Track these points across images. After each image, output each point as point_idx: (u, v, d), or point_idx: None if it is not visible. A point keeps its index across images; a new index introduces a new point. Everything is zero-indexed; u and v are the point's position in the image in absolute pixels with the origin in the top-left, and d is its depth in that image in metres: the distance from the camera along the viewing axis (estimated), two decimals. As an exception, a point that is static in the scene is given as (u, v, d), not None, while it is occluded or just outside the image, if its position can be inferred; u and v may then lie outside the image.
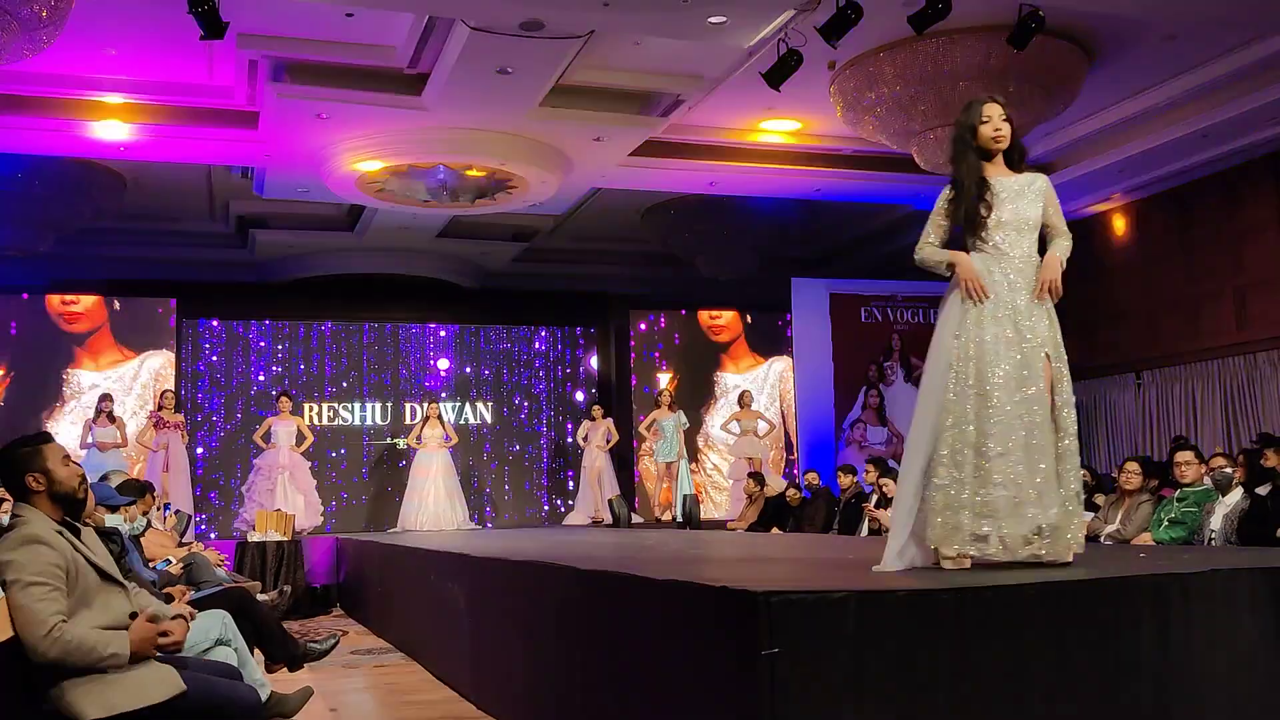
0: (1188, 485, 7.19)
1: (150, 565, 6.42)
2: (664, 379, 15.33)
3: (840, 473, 11.12)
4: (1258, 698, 3.33)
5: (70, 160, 11.12)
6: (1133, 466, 7.91)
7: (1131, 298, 13.30)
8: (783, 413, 15.50)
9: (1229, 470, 7.08)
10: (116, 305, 13.76)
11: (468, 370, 15.72)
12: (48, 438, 3.60)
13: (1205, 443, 11.44)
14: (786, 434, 15.30)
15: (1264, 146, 11.15)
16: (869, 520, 9.81)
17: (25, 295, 13.47)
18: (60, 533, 3.38)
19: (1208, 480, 7.19)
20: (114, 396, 12.63)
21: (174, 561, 6.87)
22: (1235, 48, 9.49)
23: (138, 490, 6.93)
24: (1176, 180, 12.22)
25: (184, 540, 9.19)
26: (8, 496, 4.26)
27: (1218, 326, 12.20)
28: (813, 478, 11.74)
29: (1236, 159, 11.50)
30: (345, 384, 15.18)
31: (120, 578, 3.58)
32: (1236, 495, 6.86)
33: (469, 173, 11.14)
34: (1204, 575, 3.38)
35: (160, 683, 3.34)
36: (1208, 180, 12.08)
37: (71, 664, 3.22)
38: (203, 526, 13.82)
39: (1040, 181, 4.26)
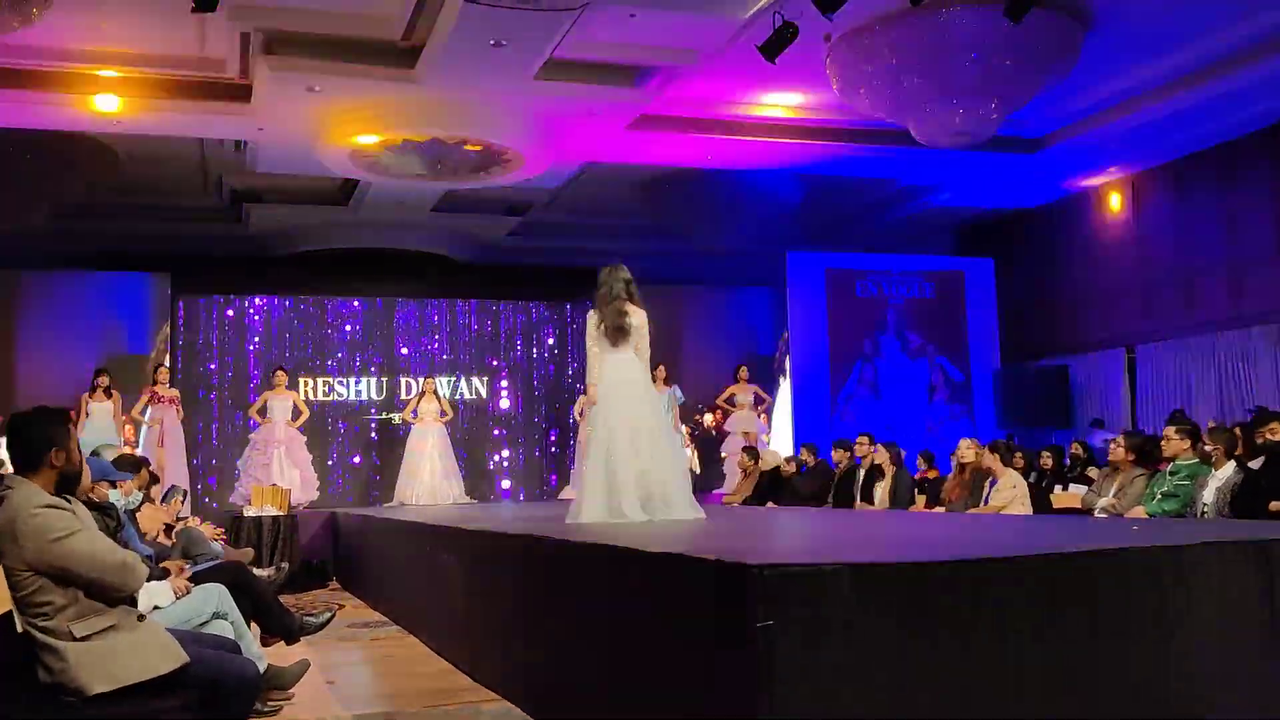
0: (1178, 460, 7.23)
1: (145, 539, 6.43)
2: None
3: (835, 447, 11.15)
4: (1251, 669, 3.35)
5: (62, 134, 11.05)
6: (1119, 440, 8.01)
7: (1127, 272, 13.31)
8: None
9: (1208, 448, 7.12)
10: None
11: (463, 344, 15.70)
12: (67, 414, 3.60)
13: (1200, 417, 11.47)
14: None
15: (1260, 120, 11.14)
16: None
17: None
18: (61, 504, 3.40)
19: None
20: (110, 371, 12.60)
21: (159, 533, 6.89)
22: (1232, 21, 9.45)
23: (133, 465, 6.93)
24: (1172, 154, 12.21)
25: (180, 515, 9.20)
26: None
27: (1213, 301, 12.21)
28: (806, 454, 11.75)
29: (1233, 133, 11.49)
30: (341, 358, 15.17)
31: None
32: (1229, 469, 6.88)
33: (465, 146, 11.08)
34: (1196, 548, 3.40)
35: (163, 655, 3.36)
36: (1204, 155, 12.07)
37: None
38: (206, 498, 13.85)
39: None
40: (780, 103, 11.24)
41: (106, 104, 9.99)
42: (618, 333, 6.23)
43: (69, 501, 3.43)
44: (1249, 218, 11.83)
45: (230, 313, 14.86)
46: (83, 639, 3.27)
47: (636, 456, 5.94)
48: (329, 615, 5.82)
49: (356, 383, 15.25)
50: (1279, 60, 9.72)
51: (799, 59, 9.09)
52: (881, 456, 10.09)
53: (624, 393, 6.14)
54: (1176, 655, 3.20)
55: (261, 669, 4.25)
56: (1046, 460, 10.31)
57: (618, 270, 6.40)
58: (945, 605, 2.89)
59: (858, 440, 10.73)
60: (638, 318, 6.30)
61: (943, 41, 9.00)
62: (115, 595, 3.36)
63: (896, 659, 2.80)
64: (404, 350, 15.45)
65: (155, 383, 12.51)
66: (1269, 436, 7.29)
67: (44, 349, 13.37)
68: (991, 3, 8.58)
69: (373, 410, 15.24)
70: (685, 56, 9.77)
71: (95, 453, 7.34)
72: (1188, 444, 7.23)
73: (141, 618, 3.48)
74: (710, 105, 11.14)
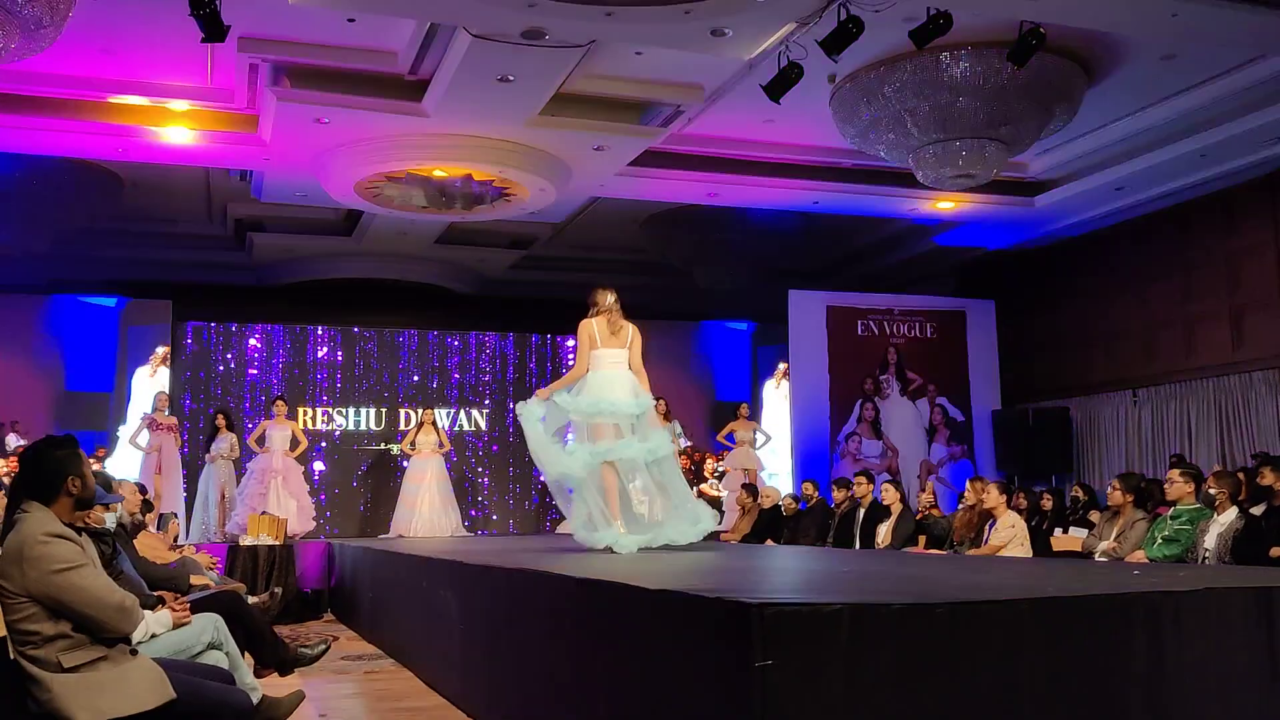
0: (1180, 504, 7.20)
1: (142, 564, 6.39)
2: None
3: (835, 486, 11.11)
4: (1250, 717, 3.32)
5: (68, 161, 11.11)
6: (1116, 483, 7.99)
7: (1128, 316, 13.33)
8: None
9: (1212, 491, 7.09)
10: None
11: (463, 376, 15.70)
12: (77, 441, 3.59)
13: (1201, 461, 11.46)
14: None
15: (1262, 167, 11.19)
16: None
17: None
18: (72, 536, 3.39)
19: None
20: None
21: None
22: (1234, 68, 9.52)
23: (105, 482, 6.89)
24: (1174, 199, 12.25)
25: (176, 543, 9.17)
26: None
27: (1214, 346, 12.22)
28: (809, 489, 11.70)
29: (1234, 179, 11.54)
30: (340, 389, 15.16)
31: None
32: (1231, 514, 6.86)
33: (470, 180, 11.13)
34: (1197, 594, 3.38)
35: (151, 689, 3.33)
36: (1205, 200, 12.11)
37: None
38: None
39: None
40: (784, 142, 11.30)
41: (112, 132, 10.04)
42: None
43: (79, 534, 3.43)
44: (1250, 262, 11.85)
45: (231, 341, 14.86)
46: (70, 670, 3.25)
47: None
48: (324, 647, 5.78)
49: (356, 413, 15.23)
50: (1279, 108, 9.79)
51: (804, 99, 9.14)
52: (888, 496, 10.06)
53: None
54: (1176, 702, 3.17)
55: (255, 700, 4.21)
56: (1046, 502, 10.28)
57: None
58: (945, 647, 2.87)
59: (856, 480, 10.69)
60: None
61: (947, 84, 9.06)
62: (107, 634, 3.34)
63: (896, 700, 2.78)
64: (403, 381, 15.45)
65: (154, 410, 12.51)
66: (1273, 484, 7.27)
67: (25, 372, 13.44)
68: (996, 46, 8.65)
69: (374, 440, 15.21)
70: (691, 94, 9.83)
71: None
72: (1191, 487, 7.21)
73: (134, 651, 3.45)
74: (715, 143, 11.20)
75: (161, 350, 13.78)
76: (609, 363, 6.83)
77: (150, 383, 13.56)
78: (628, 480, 6.76)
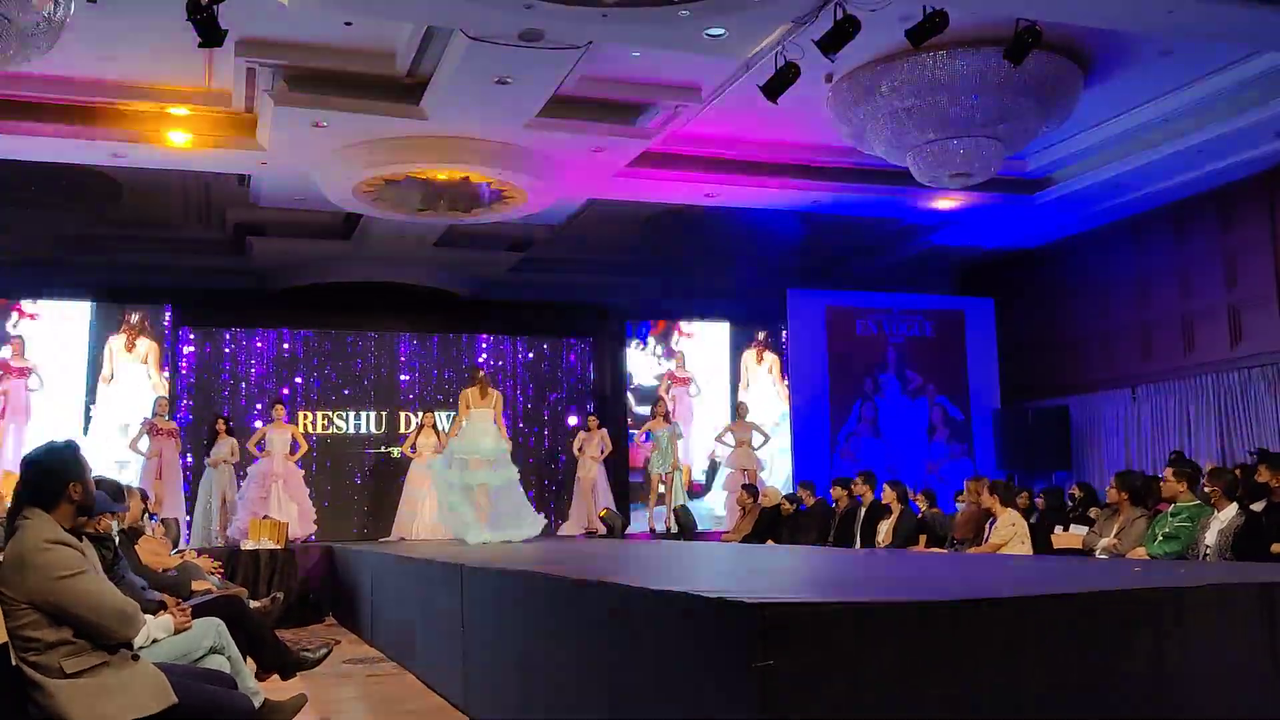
0: (1179, 501, 7.20)
1: (146, 569, 6.39)
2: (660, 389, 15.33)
3: (835, 485, 11.11)
4: (1252, 714, 3.32)
5: (66, 166, 11.10)
6: (1114, 482, 8.00)
7: (1127, 313, 13.34)
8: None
9: (1207, 490, 7.09)
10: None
11: (463, 378, 15.68)
12: (77, 447, 3.58)
13: (1200, 458, 11.46)
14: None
15: (1258, 163, 11.20)
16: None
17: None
18: (72, 542, 3.38)
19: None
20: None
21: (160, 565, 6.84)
22: (1229, 64, 9.54)
23: (113, 489, 6.89)
24: (1171, 196, 12.26)
25: (177, 548, 9.17)
26: None
27: (1212, 343, 12.23)
28: (803, 494, 11.68)
29: (1231, 175, 11.55)
30: (340, 392, 15.14)
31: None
32: (1231, 511, 6.85)
33: (468, 182, 11.13)
34: (1198, 590, 3.38)
35: (153, 694, 3.33)
36: (1202, 197, 12.12)
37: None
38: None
39: None
40: (782, 141, 11.31)
41: (111, 136, 10.04)
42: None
43: (80, 540, 3.43)
44: (1248, 259, 11.86)
45: (231, 346, 14.85)
46: (72, 675, 3.25)
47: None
48: (325, 651, 5.78)
49: (356, 417, 15.21)
50: (1276, 104, 9.80)
51: (801, 99, 9.15)
52: (889, 495, 10.06)
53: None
54: (1178, 699, 3.18)
55: (257, 704, 4.21)
56: (1041, 500, 10.29)
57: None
58: (946, 646, 2.87)
59: (856, 479, 10.67)
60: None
61: (943, 82, 9.07)
62: (109, 640, 3.34)
63: (896, 700, 2.78)
64: (404, 384, 15.43)
65: (154, 415, 12.50)
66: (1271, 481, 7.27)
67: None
68: (992, 45, 8.66)
69: (374, 443, 15.19)
70: (688, 95, 9.84)
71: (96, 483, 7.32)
72: (1184, 485, 7.20)
73: (136, 656, 3.45)
74: (713, 144, 11.21)
75: (136, 317, 13.63)
76: (479, 419, 10.24)
77: (126, 357, 13.48)
78: (492, 496, 9.90)
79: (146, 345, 13.34)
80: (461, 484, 9.79)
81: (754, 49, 8.56)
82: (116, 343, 13.35)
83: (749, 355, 15.42)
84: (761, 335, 15.35)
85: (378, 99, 9.64)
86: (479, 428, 10.12)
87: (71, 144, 10.20)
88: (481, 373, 10.96)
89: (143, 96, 9.83)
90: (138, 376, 13.34)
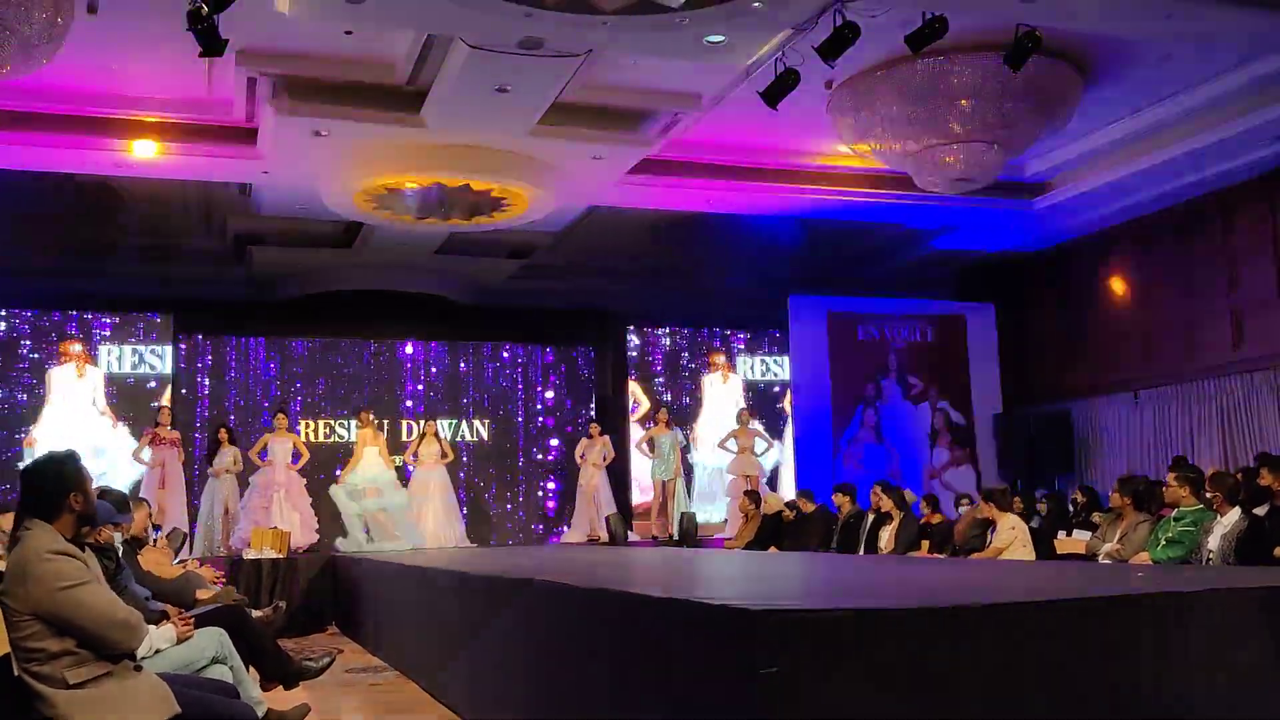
0: (1180, 506, 7.19)
1: (148, 579, 6.39)
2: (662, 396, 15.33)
3: (838, 492, 11.08)
4: (1256, 718, 3.32)
5: (67, 176, 11.11)
6: (1116, 487, 7.99)
7: (1129, 317, 13.33)
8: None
9: (1209, 494, 7.08)
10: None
11: (465, 386, 15.68)
12: (78, 457, 3.57)
13: (1202, 462, 11.45)
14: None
15: (1260, 167, 11.20)
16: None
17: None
18: (74, 553, 3.38)
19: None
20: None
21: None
22: (1230, 68, 9.54)
23: (119, 500, 6.89)
24: (1172, 200, 12.26)
25: (180, 558, 9.16)
26: None
27: (1214, 346, 12.22)
28: (803, 502, 11.62)
29: (1232, 179, 11.54)
30: (342, 401, 15.13)
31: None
32: (1234, 515, 6.84)
33: (469, 189, 11.14)
34: (1202, 595, 3.38)
35: (155, 705, 3.33)
36: (1204, 200, 12.12)
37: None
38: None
39: None
40: (782, 148, 11.31)
41: (112, 146, 10.05)
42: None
43: (82, 550, 3.42)
44: (1249, 263, 11.86)
45: (232, 355, 14.84)
46: (75, 686, 3.24)
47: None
48: (328, 660, 5.77)
49: (358, 425, 15.19)
50: (1276, 107, 9.80)
51: (801, 105, 9.16)
52: (886, 502, 10.04)
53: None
54: (1183, 703, 3.17)
55: (260, 714, 4.21)
56: (1043, 505, 10.28)
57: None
58: (950, 652, 2.87)
59: (873, 490, 10.56)
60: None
61: (943, 88, 9.08)
62: (112, 650, 3.33)
63: (902, 706, 2.78)
64: (406, 392, 15.43)
65: (157, 424, 12.50)
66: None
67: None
68: (992, 50, 8.66)
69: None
70: (688, 102, 9.85)
71: (102, 494, 7.31)
72: (1187, 490, 7.19)
73: (139, 667, 3.45)
74: (713, 150, 11.21)
75: (77, 348, 13.67)
76: (370, 454, 12.25)
77: (76, 384, 13.53)
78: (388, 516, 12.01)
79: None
80: (358, 510, 12.02)
81: (754, 56, 8.57)
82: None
83: (710, 377, 15.45)
84: (721, 359, 15.38)
85: (378, 108, 9.65)
86: (369, 463, 12.21)
87: (71, 155, 10.20)
88: (370, 414, 12.84)
89: (143, 107, 9.84)
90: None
